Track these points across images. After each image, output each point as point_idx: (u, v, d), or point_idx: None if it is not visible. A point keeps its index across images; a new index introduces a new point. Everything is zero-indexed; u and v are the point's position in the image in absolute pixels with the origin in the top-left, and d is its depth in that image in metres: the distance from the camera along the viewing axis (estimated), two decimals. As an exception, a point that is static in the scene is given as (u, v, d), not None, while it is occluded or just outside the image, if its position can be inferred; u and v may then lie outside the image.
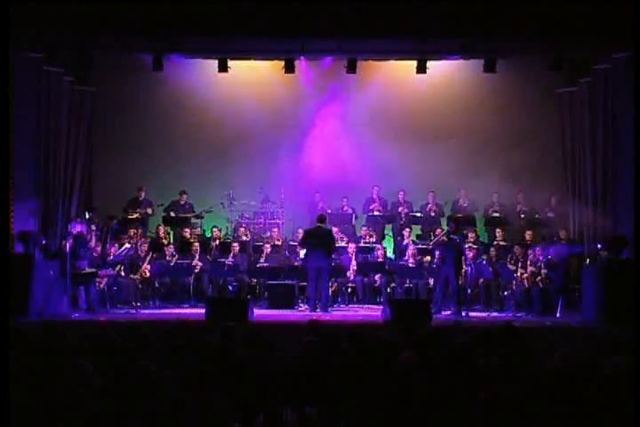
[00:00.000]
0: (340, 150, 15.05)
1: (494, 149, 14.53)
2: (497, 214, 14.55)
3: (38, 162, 13.16)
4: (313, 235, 12.68)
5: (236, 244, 13.69)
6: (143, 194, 14.63)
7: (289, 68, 13.19)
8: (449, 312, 12.36)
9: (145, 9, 11.58)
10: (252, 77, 14.77)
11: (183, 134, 15.22)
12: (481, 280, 13.06)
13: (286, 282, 12.96)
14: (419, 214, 14.64)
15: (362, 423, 5.87)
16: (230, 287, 13.35)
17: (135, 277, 13.03)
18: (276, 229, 14.38)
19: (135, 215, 14.39)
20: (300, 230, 13.73)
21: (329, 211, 14.35)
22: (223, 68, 13.24)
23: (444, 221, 14.14)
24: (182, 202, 14.70)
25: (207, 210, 14.60)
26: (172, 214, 14.48)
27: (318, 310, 12.28)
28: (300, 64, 13.68)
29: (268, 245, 13.77)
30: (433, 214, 14.44)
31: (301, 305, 12.89)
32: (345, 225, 14.64)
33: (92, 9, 11.45)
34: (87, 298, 12.29)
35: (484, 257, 13.35)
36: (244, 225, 14.53)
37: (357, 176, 14.78)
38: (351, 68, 13.24)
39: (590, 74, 13.39)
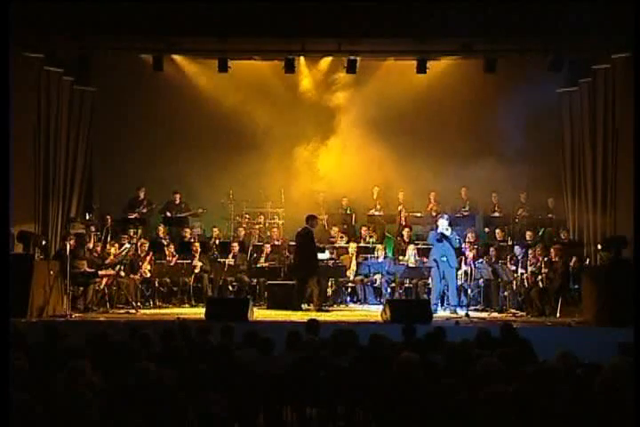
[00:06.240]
0: (340, 150, 15.03)
1: (494, 148, 14.52)
2: (497, 214, 14.56)
3: (38, 162, 13.16)
4: (297, 235, 12.89)
5: (235, 244, 13.70)
6: (142, 194, 14.63)
7: (289, 68, 13.19)
8: (448, 312, 12.38)
9: (145, 9, 11.59)
10: (252, 77, 14.76)
11: (183, 134, 15.23)
12: (481, 280, 13.05)
13: (286, 282, 12.96)
14: (419, 214, 14.65)
15: (362, 424, 5.88)
16: (230, 287, 13.35)
17: (135, 277, 13.02)
18: (275, 229, 14.39)
19: (134, 215, 14.40)
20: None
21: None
22: (223, 68, 13.24)
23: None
24: (177, 202, 14.72)
25: (196, 213, 14.63)
26: (168, 214, 14.51)
27: (311, 308, 12.30)
28: (300, 64, 13.71)
29: (268, 245, 13.78)
30: (434, 214, 14.43)
31: (303, 305, 12.87)
32: (345, 225, 14.66)
33: (91, 9, 11.47)
34: (86, 298, 12.30)
35: (484, 257, 13.34)
36: (243, 225, 14.55)
37: (357, 176, 14.76)
38: (351, 69, 13.25)
39: (590, 74, 13.39)
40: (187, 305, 13.06)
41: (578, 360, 5.53)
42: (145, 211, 14.59)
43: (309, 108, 15.12)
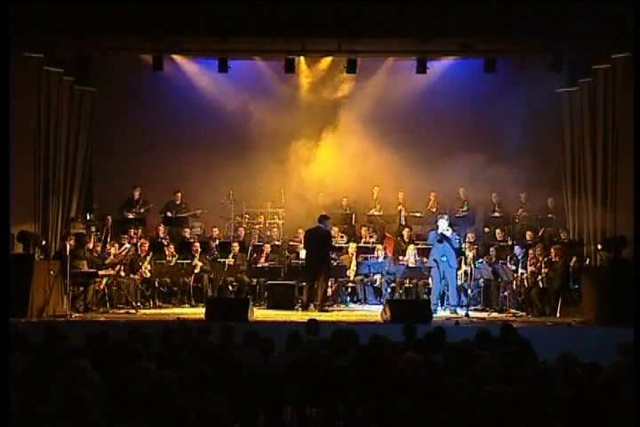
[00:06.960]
0: (341, 151, 15.02)
1: (494, 148, 14.52)
2: (497, 214, 14.55)
3: (38, 162, 13.15)
4: (311, 235, 12.72)
5: (235, 244, 13.70)
6: (137, 193, 14.60)
7: (289, 68, 13.20)
8: (448, 312, 12.37)
9: (145, 9, 11.59)
10: (252, 77, 14.76)
11: (183, 134, 15.22)
12: (481, 280, 13.05)
13: (286, 282, 12.96)
14: (419, 214, 14.65)
15: (362, 424, 5.87)
16: (230, 287, 13.35)
17: (135, 277, 13.02)
18: (275, 229, 14.39)
19: (131, 215, 14.39)
20: (301, 230, 13.73)
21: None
22: (223, 68, 13.25)
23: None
24: (178, 201, 14.72)
25: (195, 213, 14.64)
26: (169, 214, 14.51)
27: (312, 308, 12.29)
28: (300, 64, 13.71)
29: (268, 245, 13.77)
30: (434, 210, 14.41)
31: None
32: (345, 225, 14.66)
33: (91, 9, 11.46)
34: (86, 298, 12.29)
35: (484, 257, 13.34)
36: (243, 225, 14.55)
37: (357, 176, 14.76)
38: (351, 68, 13.25)
39: (590, 74, 13.39)
40: (187, 305, 13.05)
41: (578, 360, 5.53)
42: (142, 211, 14.58)
43: (309, 108, 15.11)
